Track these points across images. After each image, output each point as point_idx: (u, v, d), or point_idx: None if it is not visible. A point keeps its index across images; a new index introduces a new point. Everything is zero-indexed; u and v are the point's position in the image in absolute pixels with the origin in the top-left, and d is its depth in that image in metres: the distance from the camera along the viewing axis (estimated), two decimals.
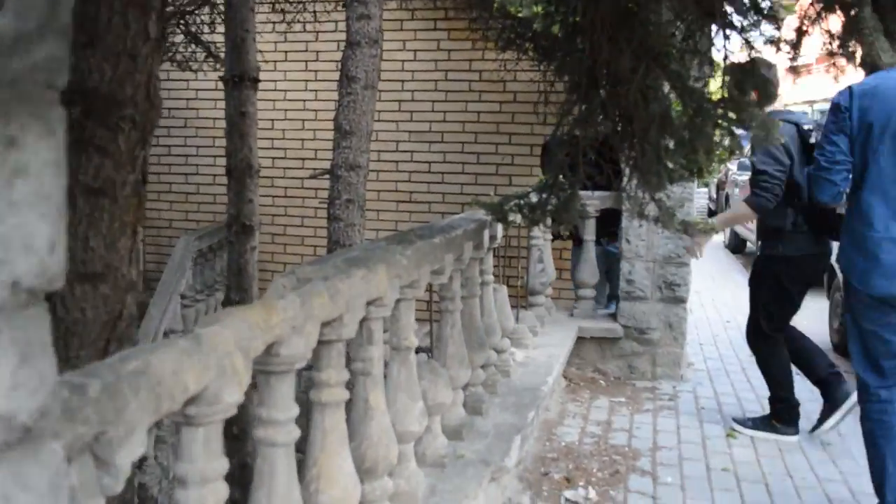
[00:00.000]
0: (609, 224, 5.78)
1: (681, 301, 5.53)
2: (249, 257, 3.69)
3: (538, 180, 3.68)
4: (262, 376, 1.81)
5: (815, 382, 4.51)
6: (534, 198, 3.49)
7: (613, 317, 5.65)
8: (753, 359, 6.10)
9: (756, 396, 5.14)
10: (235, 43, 3.57)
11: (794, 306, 4.45)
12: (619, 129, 3.32)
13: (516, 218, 3.61)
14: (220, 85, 7.82)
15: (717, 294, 8.69)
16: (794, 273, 4.30)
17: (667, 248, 5.47)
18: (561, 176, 3.38)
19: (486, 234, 3.52)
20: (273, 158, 7.84)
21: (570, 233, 5.17)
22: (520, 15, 6.53)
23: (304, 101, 7.77)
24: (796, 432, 4.47)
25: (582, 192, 3.52)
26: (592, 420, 4.60)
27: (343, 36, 7.48)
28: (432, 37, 7.41)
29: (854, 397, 3.96)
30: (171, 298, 6.46)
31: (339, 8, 7.41)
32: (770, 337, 4.48)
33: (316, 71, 7.69)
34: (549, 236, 5.54)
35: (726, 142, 2.82)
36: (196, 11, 6.67)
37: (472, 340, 3.47)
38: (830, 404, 4.36)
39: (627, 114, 3.18)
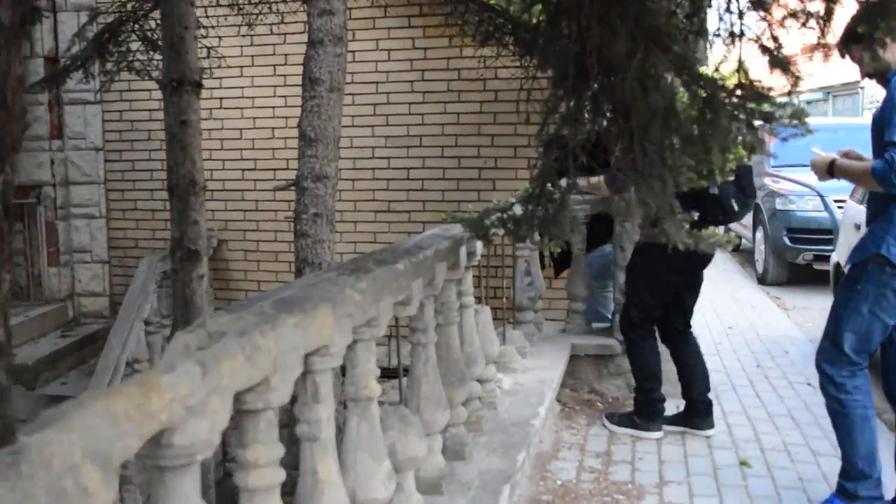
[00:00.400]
0: (605, 227, 5.32)
1: None
2: (196, 287, 3.23)
3: (522, 188, 3.21)
4: (155, 471, 1.36)
5: (685, 397, 4.57)
6: (518, 210, 3.05)
7: (609, 332, 5.20)
8: (762, 371, 5.72)
9: (768, 415, 4.71)
10: (173, 42, 3.12)
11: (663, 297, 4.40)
12: (613, 126, 2.87)
13: (497, 233, 3.16)
14: None
15: (716, 297, 8.25)
16: (671, 263, 3.90)
17: None
18: (549, 184, 2.93)
19: (464, 251, 3.07)
20: (243, 170, 7.39)
21: (562, 250, 4.70)
22: (498, 5, 6.10)
23: (274, 107, 7.31)
24: (658, 429, 4.43)
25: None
26: (590, 451, 4.15)
27: None
28: (407, 34, 6.96)
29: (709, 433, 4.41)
30: (133, 325, 6.00)
31: (305, 7, 6.97)
32: (638, 327, 4.45)
33: (285, 76, 7.23)
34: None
35: (744, 137, 2.38)
36: (150, 15, 6.21)
37: (451, 375, 3.02)
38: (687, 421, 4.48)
39: (623, 108, 2.73)
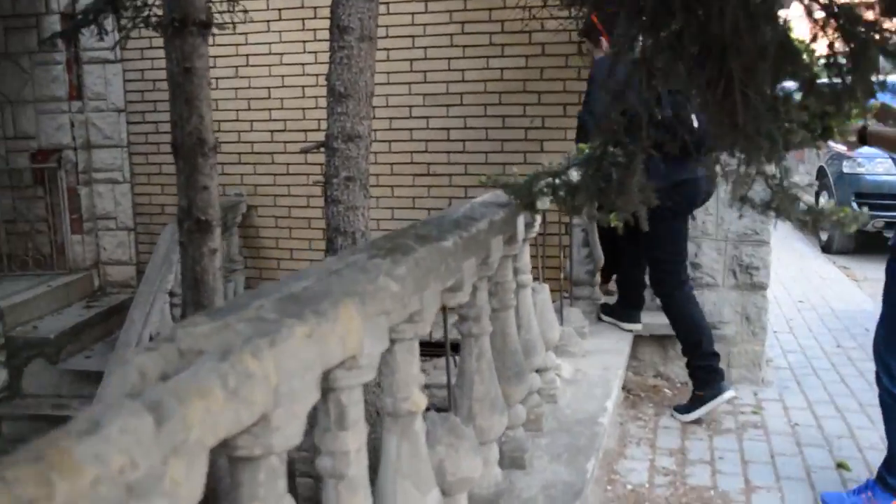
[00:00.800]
0: None
1: (760, 288, 4.54)
2: (208, 264, 2.77)
3: (578, 150, 2.65)
4: None
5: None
6: (574, 175, 2.52)
7: None
8: (843, 352, 5.16)
9: (859, 405, 4.18)
10: None
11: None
12: (701, 69, 2.33)
13: (544, 202, 2.62)
14: (213, 51, 6.98)
15: (781, 269, 7.65)
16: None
17: (741, 224, 4.47)
18: (614, 143, 2.38)
19: (521, 221, 2.56)
20: (272, 132, 6.92)
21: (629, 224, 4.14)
22: None
23: (303, 64, 6.80)
24: (728, 388, 4.09)
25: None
26: (662, 448, 3.65)
27: None
28: (446, 31, 6.40)
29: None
30: (156, 297, 5.59)
31: None
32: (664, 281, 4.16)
33: (314, 30, 6.71)
34: None
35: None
36: None
37: (508, 369, 2.53)
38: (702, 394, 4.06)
39: (720, 45, 2.19)
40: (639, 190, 2.35)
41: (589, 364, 3.72)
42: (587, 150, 2.55)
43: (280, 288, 1.32)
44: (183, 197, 2.77)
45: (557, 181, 2.45)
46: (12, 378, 6.32)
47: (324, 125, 6.64)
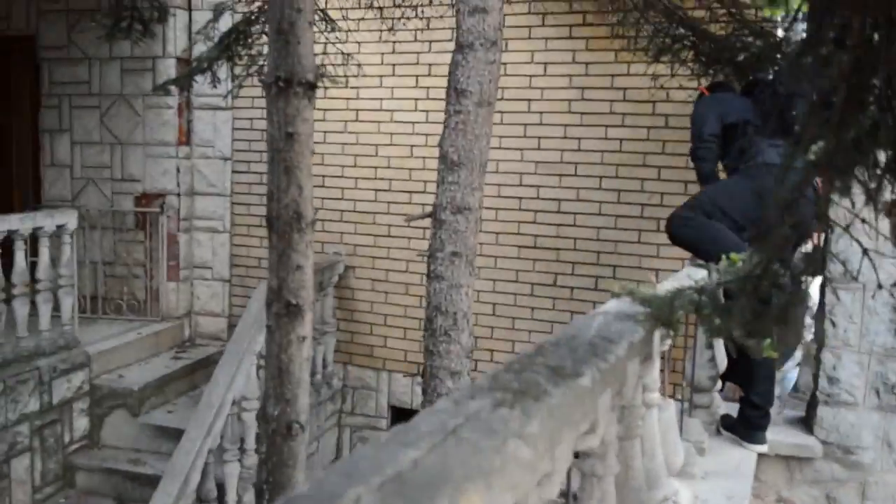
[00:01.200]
0: None
1: None
2: (295, 353, 2.46)
3: (729, 261, 2.23)
4: None
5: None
6: (722, 293, 2.11)
7: (807, 425, 4.14)
8: None
9: None
10: (280, 29, 2.34)
11: None
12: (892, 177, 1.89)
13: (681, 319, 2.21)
14: (323, 104, 6.83)
15: None
16: None
17: (889, 337, 3.95)
18: (778, 262, 1.95)
19: (658, 337, 2.17)
20: (376, 191, 6.70)
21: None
22: (682, 12, 5.13)
23: (413, 123, 6.58)
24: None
25: None
26: None
27: None
28: (567, 46, 6.10)
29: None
30: (244, 359, 5.34)
31: (452, 14, 6.22)
32: None
33: (427, 88, 6.50)
34: None
35: None
36: None
37: None
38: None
39: None
40: (801, 319, 1.93)
41: (710, 489, 3.25)
42: (740, 262, 2.14)
43: (382, 459, 0.96)
44: (274, 276, 2.48)
45: (703, 298, 2.04)
46: (93, 427, 6.17)
47: (430, 187, 6.42)
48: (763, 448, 3.91)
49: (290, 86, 2.47)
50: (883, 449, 4.02)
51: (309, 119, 2.53)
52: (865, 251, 1.82)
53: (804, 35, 1.88)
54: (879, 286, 3.69)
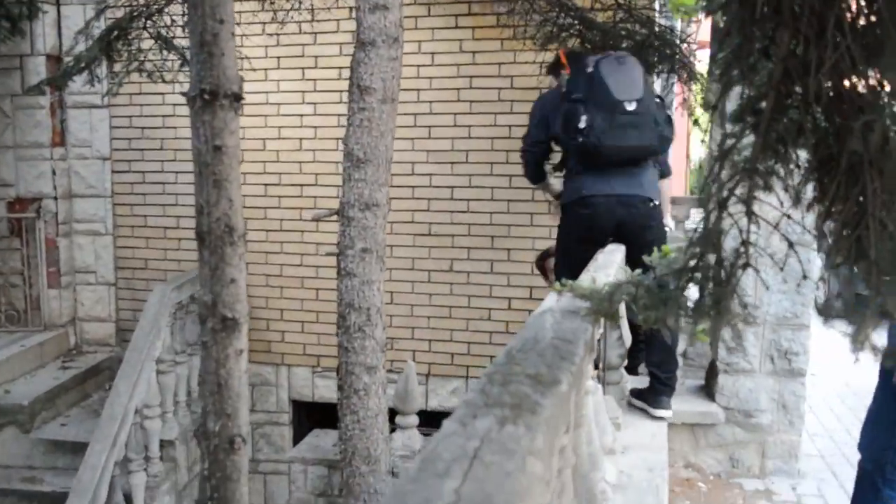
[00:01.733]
0: None
1: (799, 375, 4.30)
2: (234, 367, 2.44)
3: (661, 252, 2.35)
4: None
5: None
6: (657, 285, 2.22)
7: (708, 393, 4.39)
8: None
9: None
10: (203, 41, 2.31)
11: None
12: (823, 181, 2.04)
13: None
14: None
15: None
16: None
17: (781, 307, 4.22)
18: (713, 252, 2.08)
19: (597, 330, 2.27)
20: (266, 185, 6.61)
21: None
22: (569, 2, 5.26)
23: (301, 115, 6.52)
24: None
25: None
26: None
27: (345, 38, 6.33)
28: (453, 36, 6.17)
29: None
30: (144, 366, 5.21)
31: (339, 5, 6.20)
32: None
33: (315, 80, 6.45)
34: None
35: None
36: (165, 10, 5.43)
37: (580, 497, 2.22)
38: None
39: (852, 160, 1.92)
40: (741, 306, 2.07)
41: (631, 464, 3.41)
42: (671, 256, 2.26)
43: (426, 495, 1.00)
44: (207, 291, 2.45)
45: (639, 291, 2.15)
46: None
47: (322, 179, 6.40)
48: (668, 413, 4.11)
49: (215, 98, 2.43)
50: (779, 411, 4.31)
51: (235, 131, 2.51)
52: (791, 244, 1.97)
53: (728, 47, 2.00)
54: (805, 276, 3.93)
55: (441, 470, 1.10)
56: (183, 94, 2.57)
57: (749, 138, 2.01)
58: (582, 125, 3.87)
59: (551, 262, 4.69)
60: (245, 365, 2.50)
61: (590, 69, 4.02)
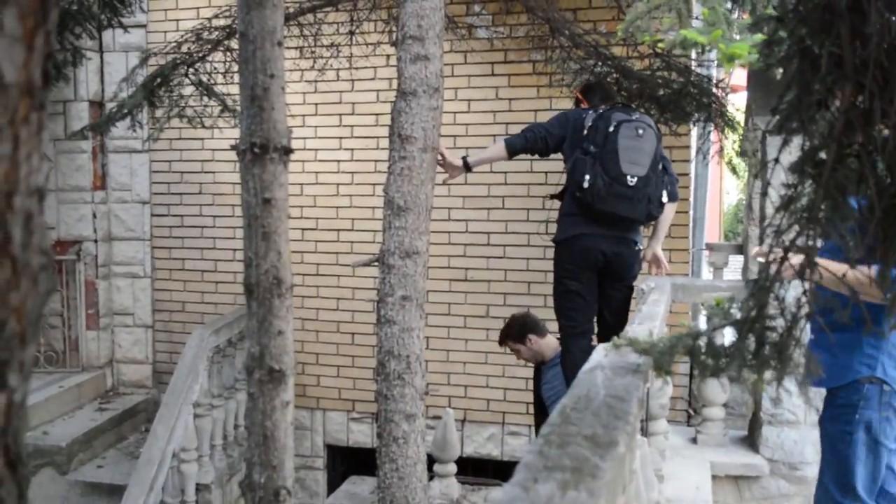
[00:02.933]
0: None
1: None
2: (280, 418, 2.45)
3: (716, 302, 2.34)
4: None
5: None
6: (719, 338, 2.22)
7: (752, 445, 4.32)
8: None
9: None
10: (254, 95, 2.34)
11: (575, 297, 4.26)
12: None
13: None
14: None
15: None
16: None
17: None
18: (771, 301, 2.07)
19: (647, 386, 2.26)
20: (303, 230, 6.66)
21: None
22: (607, 51, 5.29)
23: (339, 161, 6.59)
24: None
25: None
26: None
27: (382, 84, 6.41)
28: (490, 83, 6.24)
29: None
30: (181, 410, 5.23)
31: (377, 53, 6.28)
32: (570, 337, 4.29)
33: (352, 126, 6.53)
34: None
35: None
36: (208, 57, 5.54)
37: None
38: None
39: None
40: (805, 359, 2.06)
41: None
42: (727, 306, 2.25)
43: None
44: (255, 343, 2.46)
45: (698, 343, 2.14)
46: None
47: (357, 225, 6.44)
48: None
49: (265, 152, 2.47)
50: None
51: (285, 184, 2.54)
52: (855, 293, 1.95)
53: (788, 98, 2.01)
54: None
55: None
56: (233, 147, 2.60)
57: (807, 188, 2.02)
58: (585, 184, 4.10)
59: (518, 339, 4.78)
60: (291, 417, 2.51)
61: (611, 128, 4.13)
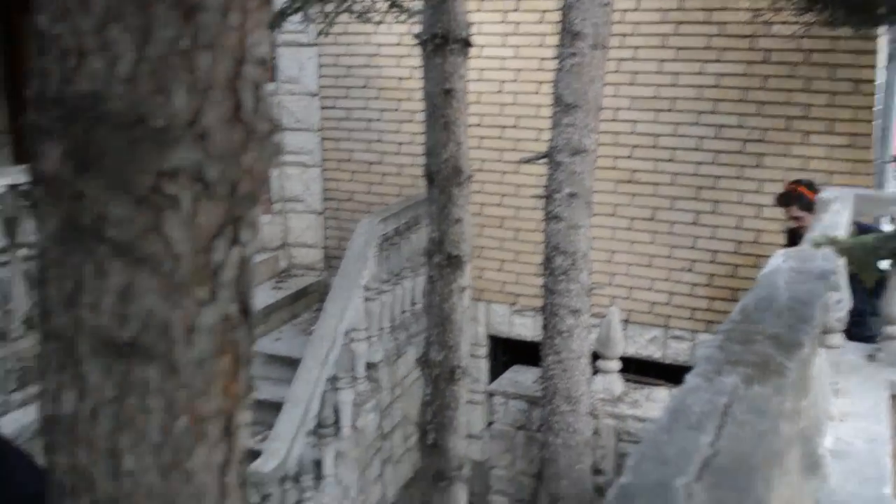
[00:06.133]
0: None
1: None
2: (457, 302, 2.59)
3: None
4: None
5: None
6: None
7: None
8: None
9: None
10: None
11: None
12: None
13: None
14: (405, 39, 6.81)
15: None
16: None
17: None
18: None
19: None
20: (467, 126, 6.71)
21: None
22: None
23: (503, 58, 6.57)
24: None
25: None
26: None
27: None
28: None
29: None
30: (352, 293, 5.52)
31: None
32: None
33: (517, 23, 6.48)
34: None
35: None
36: None
37: (800, 462, 2.22)
38: None
39: None
40: None
41: (850, 432, 3.30)
42: None
43: (682, 445, 1.07)
44: (435, 229, 2.59)
45: None
46: None
47: (520, 122, 6.46)
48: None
49: (446, 43, 2.54)
50: None
51: (464, 76, 2.62)
52: None
53: None
54: None
55: (693, 423, 1.16)
56: (416, 35, 2.68)
57: None
58: None
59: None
60: (467, 301, 2.65)
61: None
